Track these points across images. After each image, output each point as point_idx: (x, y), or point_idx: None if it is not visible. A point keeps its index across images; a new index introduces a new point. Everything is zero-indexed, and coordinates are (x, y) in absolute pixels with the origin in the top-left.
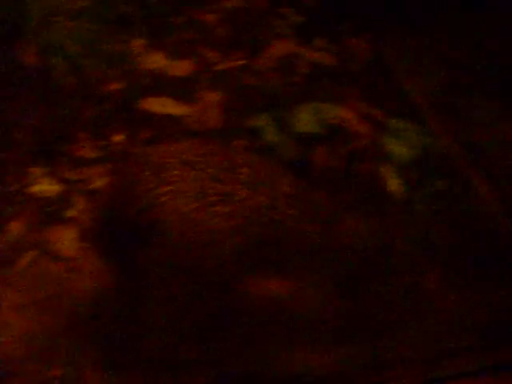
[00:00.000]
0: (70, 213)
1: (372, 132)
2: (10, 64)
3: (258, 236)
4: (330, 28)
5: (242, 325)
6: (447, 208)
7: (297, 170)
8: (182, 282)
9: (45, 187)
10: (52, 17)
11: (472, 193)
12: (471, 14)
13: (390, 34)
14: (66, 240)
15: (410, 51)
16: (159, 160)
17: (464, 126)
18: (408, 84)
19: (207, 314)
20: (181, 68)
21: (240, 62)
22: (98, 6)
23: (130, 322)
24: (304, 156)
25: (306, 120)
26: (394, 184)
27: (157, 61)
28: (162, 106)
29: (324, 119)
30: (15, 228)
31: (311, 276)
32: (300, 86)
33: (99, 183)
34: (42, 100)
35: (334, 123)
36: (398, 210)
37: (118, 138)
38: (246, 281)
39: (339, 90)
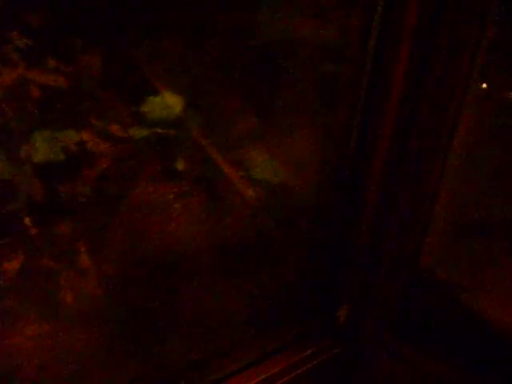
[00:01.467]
0: None
1: (115, 153)
2: None
3: None
4: (60, 47)
5: None
6: None
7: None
8: None
9: None
10: None
11: None
12: None
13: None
14: None
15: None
16: None
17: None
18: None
19: None
20: None
21: None
22: None
23: None
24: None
25: (43, 148)
26: None
27: None
28: None
29: (61, 145)
30: None
31: None
32: (33, 113)
33: None
34: None
35: (73, 149)
36: None
37: None
38: None
39: (76, 112)
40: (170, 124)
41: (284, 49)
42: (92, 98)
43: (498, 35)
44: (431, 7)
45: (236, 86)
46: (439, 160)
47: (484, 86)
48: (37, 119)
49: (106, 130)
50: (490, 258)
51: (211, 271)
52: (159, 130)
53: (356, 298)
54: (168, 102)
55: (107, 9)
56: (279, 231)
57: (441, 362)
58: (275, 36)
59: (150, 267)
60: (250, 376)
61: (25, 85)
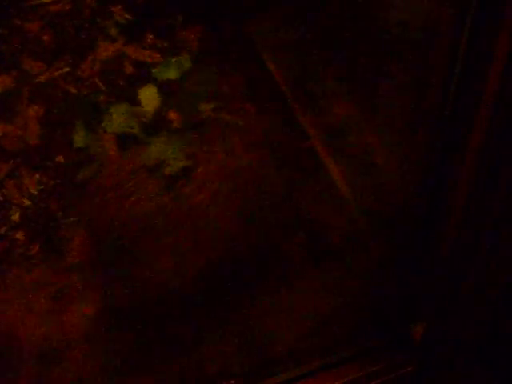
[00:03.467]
0: None
1: None
2: None
3: None
4: (159, 23)
5: None
6: None
7: None
8: None
9: None
10: None
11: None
12: None
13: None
14: None
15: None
16: None
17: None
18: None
19: None
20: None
21: (63, 71)
22: None
23: None
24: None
25: (118, 121)
26: None
27: None
28: None
29: (136, 118)
30: None
31: None
32: (121, 87)
33: None
34: None
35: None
36: None
37: None
38: None
39: None
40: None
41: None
42: None
43: None
44: None
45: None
46: None
47: None
48: (123, 94)
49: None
50: None
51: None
52: None
53: (434, 316)
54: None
55: None
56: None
57: None
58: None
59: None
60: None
61: (120, 59)
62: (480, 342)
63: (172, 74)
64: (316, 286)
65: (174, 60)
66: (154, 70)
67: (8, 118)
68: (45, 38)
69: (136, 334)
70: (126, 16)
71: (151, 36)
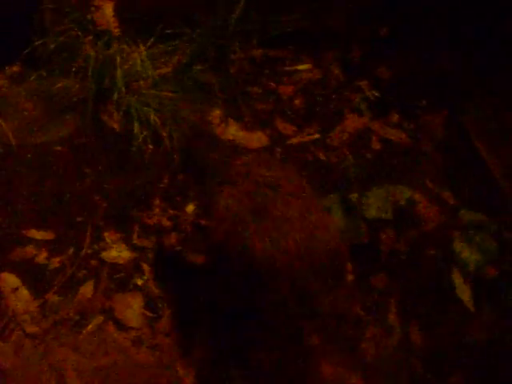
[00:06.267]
0: (138, 281)
1: (442, 219)
2: (94, 127)
3: None
4: (405, 103)
5: None
6: None
7: (360, 253)
8: None
9: (117, 253)
10: (135, 82)
11: None
12: None
13: (471, 110)
14: (132, 309)
15: (494, 129)
16: None
17: None
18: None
19: None
20: (256, 140)
21: (314, 137)
22: (178, 74)
23: None
24: (369, 239)
25: (375, 205)
26: (462, 291)
27: (233, 131)
28: None
29: (394, 203)
30: (85, 292)
31: None
32: (371, 163)
33: None
34: (120, 165)
35: (403, 206)
36: (465, 320)
37: (191, 208)
38: None
39: (411, 171)
40: None
41: None
42: (428, 160)
43: None
44: None
45: None
46: None
47: None
48: (374, 171)
49: (438, 195)
50: None
51: None
52: None
53: None
54: None
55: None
56: None
57: None
58: None
59: None
60: None
61: (367, 134)
62: None
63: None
64: None
65: None
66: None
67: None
68: (296, 102)
69: None
70: (373, 92)
71: (397, 115)
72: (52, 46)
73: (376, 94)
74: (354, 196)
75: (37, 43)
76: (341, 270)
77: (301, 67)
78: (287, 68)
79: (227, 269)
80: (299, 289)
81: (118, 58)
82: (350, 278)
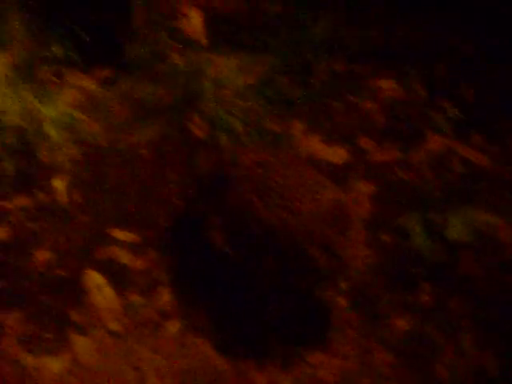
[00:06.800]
0: None
1: None
2: (179, 134)
3: None
4: (489, 125)
5: None
6: None
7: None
8: None
9: None
10: (221, 92)
11: None
12: None
13: None
14: None
15: None
16: None
17: None
18: None
19: None
20: (336, 154)
21: (395, 155)
22: (264, 86)
23: None
24: (448, 260)
25: (457, 228)
26: None
27: (314, 145)
28: None
29: (475, 227)
30: (165, 293)
31: None
32: (454, 186)
33: None
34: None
35: (484, 230)
36: None
37: None
38: None
39: (493, 195)
40: None
41: None
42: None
43: None
44: None
45: None
46: None
47: None
48: (456, 193)
49: None
50: None
51: None
52: None
53: None
54: None
55: None
56: None
57: None
58: None
59: None
60: None
61: (449, 155)
62: None
63: None
64: None
65: None
66: None
67: (341, 188)
68: (379, 118)
69: None
70: (456, 113)
71: (479, 137)
72: (141, 52)
73: (459, 114)
74: (436, 216)
75: (127, 48)
76: None
77: (384, 84)
78: (370, 84)
79: None
80: None
81: (206, 68)
82: (426, 298)
